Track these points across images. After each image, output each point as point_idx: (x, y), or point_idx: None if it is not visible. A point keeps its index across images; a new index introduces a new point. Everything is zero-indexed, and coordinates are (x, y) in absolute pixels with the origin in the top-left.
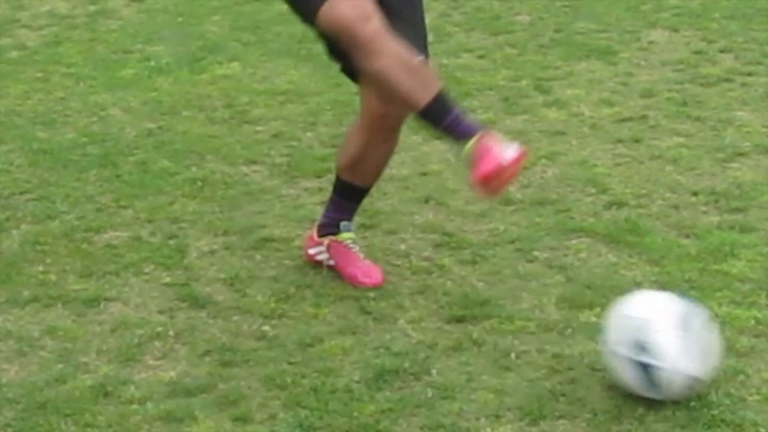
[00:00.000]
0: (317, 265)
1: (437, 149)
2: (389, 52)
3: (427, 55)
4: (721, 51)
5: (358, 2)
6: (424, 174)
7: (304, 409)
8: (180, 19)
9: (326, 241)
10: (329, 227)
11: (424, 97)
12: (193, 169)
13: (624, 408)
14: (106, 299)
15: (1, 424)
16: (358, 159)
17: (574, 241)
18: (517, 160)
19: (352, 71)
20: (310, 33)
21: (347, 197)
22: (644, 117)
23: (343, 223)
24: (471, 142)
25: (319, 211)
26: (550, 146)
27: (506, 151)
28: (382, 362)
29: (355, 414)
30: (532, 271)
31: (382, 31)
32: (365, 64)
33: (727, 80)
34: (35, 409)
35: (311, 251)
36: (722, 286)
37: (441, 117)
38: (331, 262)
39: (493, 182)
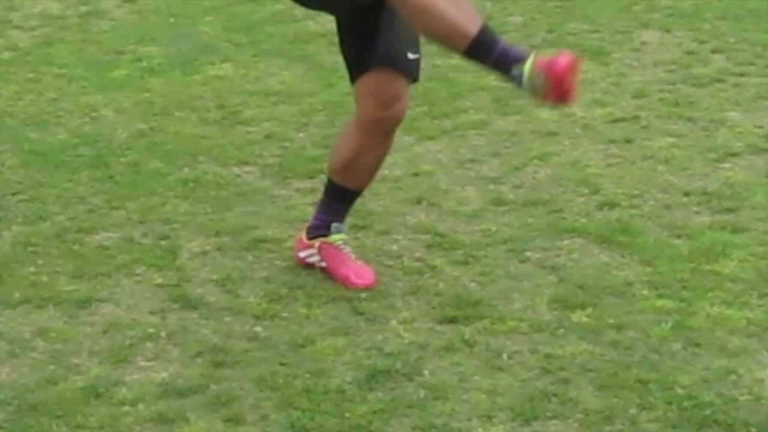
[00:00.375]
0: (309, 266)
1: (429, 150)
2: None
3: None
4: (713, 51)
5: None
6: (416, 175)
7: (296, 410)
8: (172, 20)
9: (317, 243)
10: (320, 229)
11: (472, 28)
12: (185, 169)
13: (616, 408)
14: (97, 300)
15: None
16: (351, 162)
17: (566, 242)
18: (576, 60)
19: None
20: (303, 34)
21: (339, 200)
22: (636, 117)
23: (334, 225)
24: (529, 61)
25: (311, 212)
26: (542, 147)
27: (563, 54)
28: (374, 363)
29: (347, 415)
30: (524, 271)
31: None
32: None
33: (719, 81)
34: (26, 410)
35: (302, 254)
36: (714, 286)
37: (492, 47)
38: (323, 264)
39: (569, 79)
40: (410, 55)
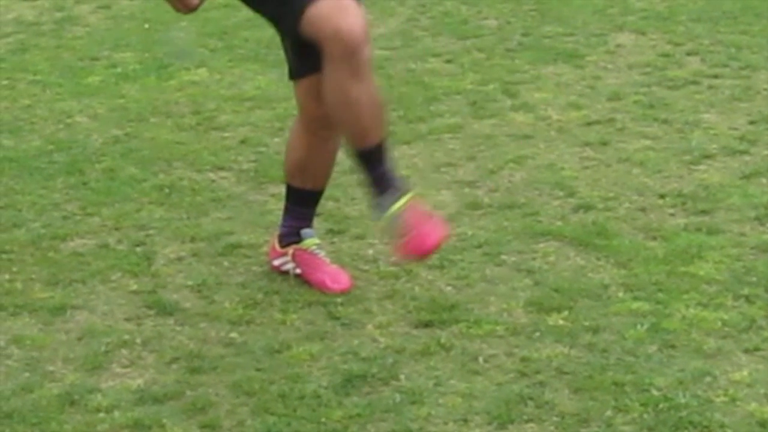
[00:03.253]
0: (284, 274)
1: (405, 154)
2: (370, 82)
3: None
4: (688, 54)
5: (362, 19)
6: None
7: (272, 416)
8: (147, 26)
9: (290, 250)
10: (290, 236)
11: (375, 137)
12: (161, 175)
13: (592, 411)
14: (72, 307)
15: None
16: (304, 163)
17: (541, 245)
18: (441, 241)
19: (292, 72)
20: (278, 39)
21: (302, 204)
22: (611, 120)
23: (303, 230)
24: (403, 201)
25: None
26: (517, 150)
27: (434, 231)
28: (350, 368)
29: (324, 420)
30: (500, 275)
31: (370, 57)
32: (346, 84)
33: (694, 83)
34: (1, 418)
35: (276, 262)
36: (689, 288)
37: (381, 163)
38: (298, 271)
39: (416, 259)
40: None
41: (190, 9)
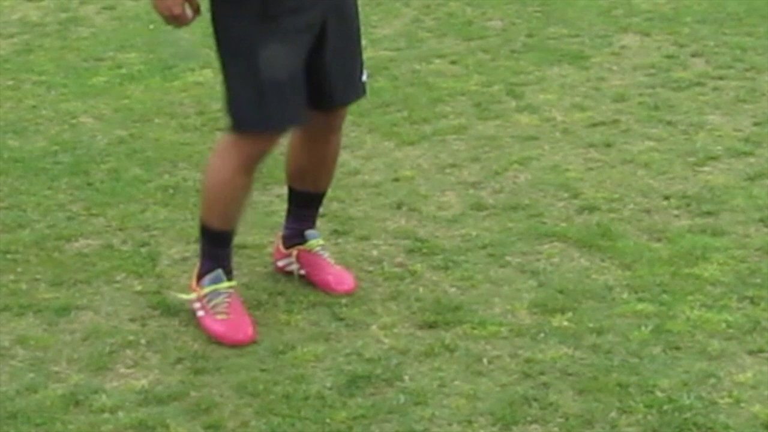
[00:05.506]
0: (289, 274)
1: (409, 155)
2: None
3: (362, 71)
4: (693, 55)
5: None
6: (397, 180)
7: (277, 416)
8: (152, 27)
9: (295, 251)
10: (294, 238)
11: (224, 224)
12: (165, 176)
13: (596, 412)
14: (77, 308)
15: None
16: (305, 167)
17: (546, 246)
18: (243, 343)
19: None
20: None
21: (304, 206)
22: (616, 121)
23: (307, 232)
24: (225, 285)
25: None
26: (522, 151)
27: (246, 329)
28: (354, 369)
29: (328, 421)
30: (505, 276)
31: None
32: (236, 174)
33: (699, 84)
34: (6, 418)
35: (280, 263)
36: (694, 289)
37: (221, 244)
38: (302, 272)
39: (222, 340)
40: (363, 78)
41: (184, 24)
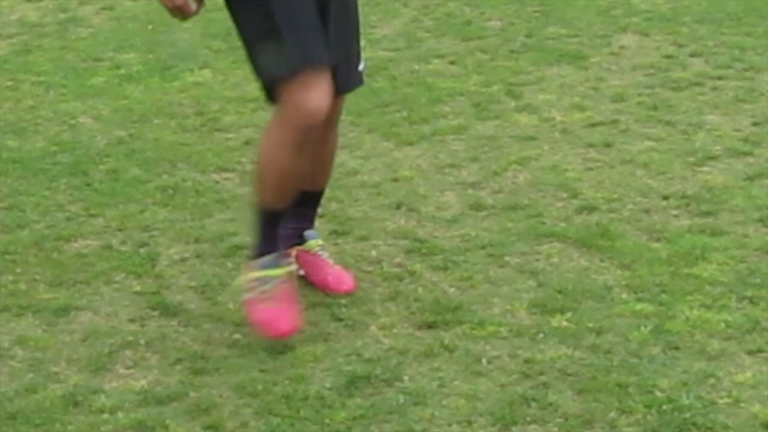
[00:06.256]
0: None
1: (408, 155)
2: (305, 155)
3: (359, 60)
4: (692, 55)
5: (328, 99)
6: (396, 180)
7: (276, 417)
8: (150, 27)
9: (294, 252)
10: (293, 238)
11: (279, 203)
12: (164, 177)
13: (595, 413)
14: (76, 308)
15: None
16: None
17: (545, 246)
18: (291, 334)
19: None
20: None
21: (303, 205)
22: (615, 121)
23: (306, 232)
24: (278, 272)
25: None
26: (521, 151)
27: (291, 319)
28: (353, 369)
29: (327, 421)
30: (504, 276)
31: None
32: (287, 151)
33: (698, 84)
34: (5, 419)
35: None
36: (693, 289)
37: (277, 225)
38: (301, 272)
39: (260, 331)
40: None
41: (188, 16)
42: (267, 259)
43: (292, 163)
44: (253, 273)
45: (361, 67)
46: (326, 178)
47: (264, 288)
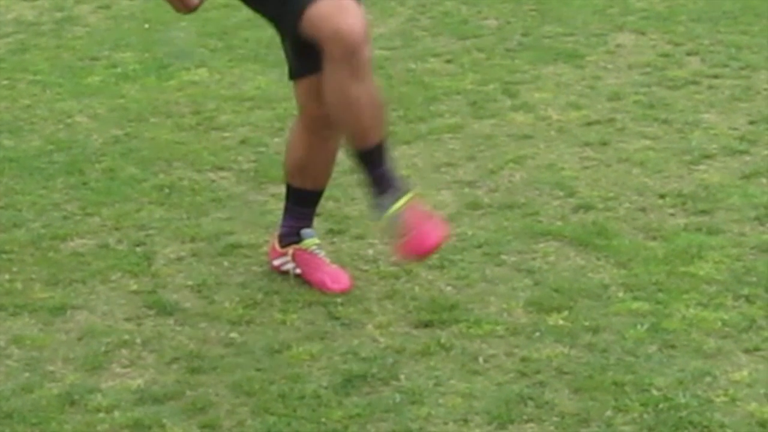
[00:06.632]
0: (284, 274)
1: (405, 154)
2: (370, 81)
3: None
4: (688, 54)
5: (362, 20)
6: None
7: (272, 416)
8: (147, 26)
9: (290, 250)
10: (290, 236)
11: (375, 137)
12: (161, 175)
13: (592, 411)
14: (72, 307)
15: None
16: (304, 163)
17: (541, 245)
18: (441, 242)
19: (292, 72)
20: (278, 38)
21: (302, 203)
22: (611, 120)
23: (303, 230)
24: (403, 200)
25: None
26: (517, 150)
27: (434, 231)
28: (350, 368)
29: (324, 420)
30: (500, 274)
31: (371, 57)
32: (346, 84)
33: (694, 83)
34: (1, 418)
35: (276, 262)
36: (689, 288)
37: (381, 163)
38: (298, 271)
39: (416, 258)
40: None
41: (190, 9)
42: (386, 198)
43: (361, 92)
44: (383, 220)
45: None
46: (327, 178)
47: (398, 224)
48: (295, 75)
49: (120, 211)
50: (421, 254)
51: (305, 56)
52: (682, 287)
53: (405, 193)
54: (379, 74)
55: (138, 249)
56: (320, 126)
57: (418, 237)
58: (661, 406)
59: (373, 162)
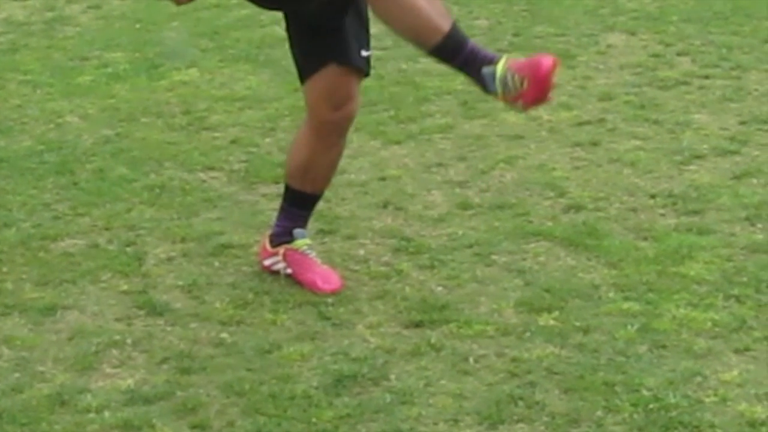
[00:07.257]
0: (274, 274)
1: (396, 154)
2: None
3: (362, 47)
4: (679, 54)
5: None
6: (383, 179)
7: (263, 416)
8: (138, 26)
9: (281, 250)
10: (282, 236)
11: (444, 25)
12: (151, 176)
13: (582, 411)
14: (62, 307)
15: None
16: (307, 167)
17: (532, 245)
18: (554, 64)
19: (301, 73)
20: (268, 39)
21: (299, 205)
22: (602, 120)
23: (296, 230)
24: (502, 62)
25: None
26: (508, 150)
27: (543, 59)
28: (340, 368)
29: (314, 420)
30: (491, 275)
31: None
32: None
33: (685, 83)
34: None
35: (266, 262)
36: (680, 288)
37: (462, 46)
38: (288, 271)
39: (550, 81)
40: (363, 53)
41: (185, 0)
42: (486, 73)
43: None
44: (498, 88)
45: (364, 53)
46: (326, 184)
47: (513, 79)
48: (304, 75)
49: (110, 212)
50: (545, 81)
51: (313, 53)
52: (672, 287)
53: (499, 59)
54: (371, 74)
55: (128, 249)
56: (328, 132)
57: (535, 70)
58: (651, 406)
59: (455, 48)
